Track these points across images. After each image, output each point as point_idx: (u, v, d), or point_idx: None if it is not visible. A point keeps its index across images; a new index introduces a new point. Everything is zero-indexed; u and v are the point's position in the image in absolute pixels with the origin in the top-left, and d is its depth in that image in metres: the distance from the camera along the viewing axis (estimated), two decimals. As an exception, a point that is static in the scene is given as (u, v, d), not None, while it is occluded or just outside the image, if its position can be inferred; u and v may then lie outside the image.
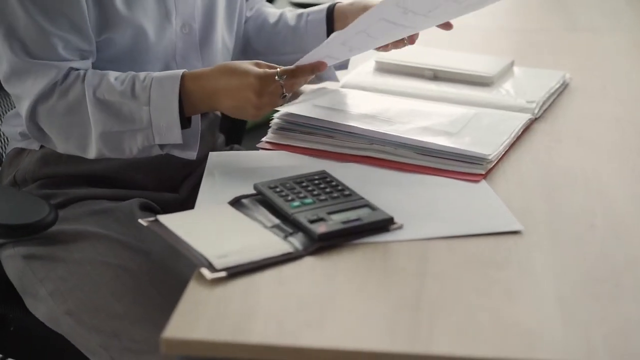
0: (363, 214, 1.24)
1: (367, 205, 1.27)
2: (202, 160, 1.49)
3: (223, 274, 1.12)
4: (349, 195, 1.29)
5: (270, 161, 1.45)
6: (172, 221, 1.25)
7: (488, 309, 1.07)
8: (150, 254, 1.42)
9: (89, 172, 1.53)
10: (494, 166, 1.41)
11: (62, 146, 1.46)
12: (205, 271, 1.13)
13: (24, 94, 1.43)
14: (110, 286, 1.40)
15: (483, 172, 1.38)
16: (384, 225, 1.24)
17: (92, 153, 1.44)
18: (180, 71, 1.42)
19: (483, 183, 1.37)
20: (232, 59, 1.68)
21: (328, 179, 1.33)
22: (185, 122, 1.42)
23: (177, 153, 1.44)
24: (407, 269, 1.15)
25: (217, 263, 1.14)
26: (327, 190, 1.30)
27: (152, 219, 1.25)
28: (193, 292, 1.10)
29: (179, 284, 1.32)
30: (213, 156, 1.47)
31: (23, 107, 1.43)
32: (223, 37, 1.63)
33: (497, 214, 1.28)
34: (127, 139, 1.42)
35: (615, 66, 1.95)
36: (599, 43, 2.11)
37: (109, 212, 1.48)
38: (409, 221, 1.25)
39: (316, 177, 1.33)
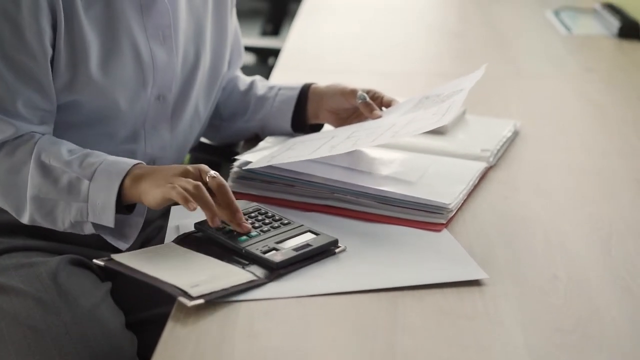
0: (309, 239, 1.31)
1: (309, 230, 1.34)
2: (151, 221, 1.46)
3: (201, 300, 1.17)
4: (288, 223, 1.35)
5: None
6: (129, 259, 1.28)
7: (460, 362, 1.08)
8: (60, 314, 1.37)
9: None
10: (454, 215, 1.43)
11: (0, 202, 1.43)
12: (184, 300, 1.17)
13: None
14: (17, 345, 1.37)
15: (444, 222, 1.40)
16: (331, 247, 1.31)
17: (25, 217, 1.41)
18: (134, 161, 1.37)
19: (445, 232, 1.39)
20: (201, 127, 1.68)
21: (263, 211, 1.38)
22: (122, 208, 1.36)
23: (109, 239, 1.39)
24: (377, 322, 1.16)
25: (193, 291, 1.18)
26: (267, 221, 1.35)
27: (106, 258, 1.28)
28: (165, 350, 1.09)
29: (81, 344, 1.35)
30: (175, 210, 1.46)
31: None
32: (197, 106, 1.62)
33: (462, 263, 1.30)
34: (61, 209, 1.38)
35: (562, 113, 2.01)
36: (544, 89, 2.17)
37: (34, 267, 1.43)
38: (375, 271, 1.27)
39: (251, 210, 1.38)
